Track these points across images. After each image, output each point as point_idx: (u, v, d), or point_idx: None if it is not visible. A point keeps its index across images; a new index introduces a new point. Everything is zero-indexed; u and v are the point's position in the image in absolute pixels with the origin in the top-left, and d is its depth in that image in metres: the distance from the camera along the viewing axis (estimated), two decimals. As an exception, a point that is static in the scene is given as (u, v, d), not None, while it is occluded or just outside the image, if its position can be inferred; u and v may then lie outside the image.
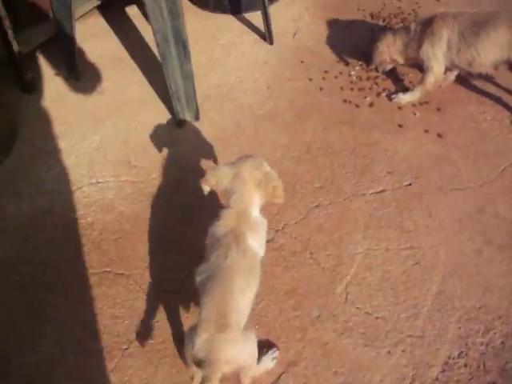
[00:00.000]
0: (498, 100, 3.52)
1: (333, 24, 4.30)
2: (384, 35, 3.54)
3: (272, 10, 4.46)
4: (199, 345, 1.85)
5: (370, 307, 2.46)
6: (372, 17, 4.32)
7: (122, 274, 2.61)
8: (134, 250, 2.70)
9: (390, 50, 3.49)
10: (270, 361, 2.25)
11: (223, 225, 2.08)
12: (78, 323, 2.41)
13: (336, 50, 4.01)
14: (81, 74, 3.79)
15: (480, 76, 3.52)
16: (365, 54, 3.84)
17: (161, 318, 2.43)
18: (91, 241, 2.75)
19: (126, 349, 2.32)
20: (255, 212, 2.15)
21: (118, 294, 2.52)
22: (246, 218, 2.09)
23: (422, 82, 3.41)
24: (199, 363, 1.87)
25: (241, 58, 3.94)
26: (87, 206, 2.92)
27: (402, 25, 4.04)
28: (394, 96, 3.52)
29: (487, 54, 3.12)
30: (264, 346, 2.29)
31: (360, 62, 3.84)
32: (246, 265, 2.02)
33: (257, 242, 2.11)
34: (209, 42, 4.13)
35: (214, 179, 2.17)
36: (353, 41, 4.10)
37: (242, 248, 2.02)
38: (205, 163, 3.11)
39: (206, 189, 2.22)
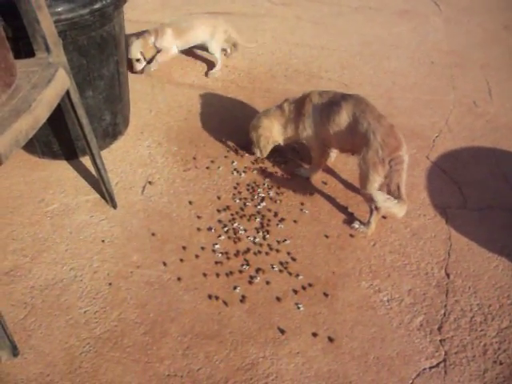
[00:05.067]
0: (392, 268, 2.94)
1: (192, 166, 3.54)
2: (258, 120, 3.37)
3: (115, 148, 3.66)
4: None
5: None
6: (236, 151, 3.62)
7: None
8: None
9: (271, 133, 3.35)
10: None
11: None
12: None
13: (195, 207, 3.25)
14: None
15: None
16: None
17: None
18: None
19: None
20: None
21: None
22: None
23: (312, 163, 3.42)
24: None
25: (76, 235, 3.06)
26: None
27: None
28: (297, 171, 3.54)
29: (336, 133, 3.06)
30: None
31: (226, 228, 3.10)
32: None
33: None
34: (35, 210, 3.19)
35: None
36: (216, 190, 3.37)
37: None
38: None
39: None
